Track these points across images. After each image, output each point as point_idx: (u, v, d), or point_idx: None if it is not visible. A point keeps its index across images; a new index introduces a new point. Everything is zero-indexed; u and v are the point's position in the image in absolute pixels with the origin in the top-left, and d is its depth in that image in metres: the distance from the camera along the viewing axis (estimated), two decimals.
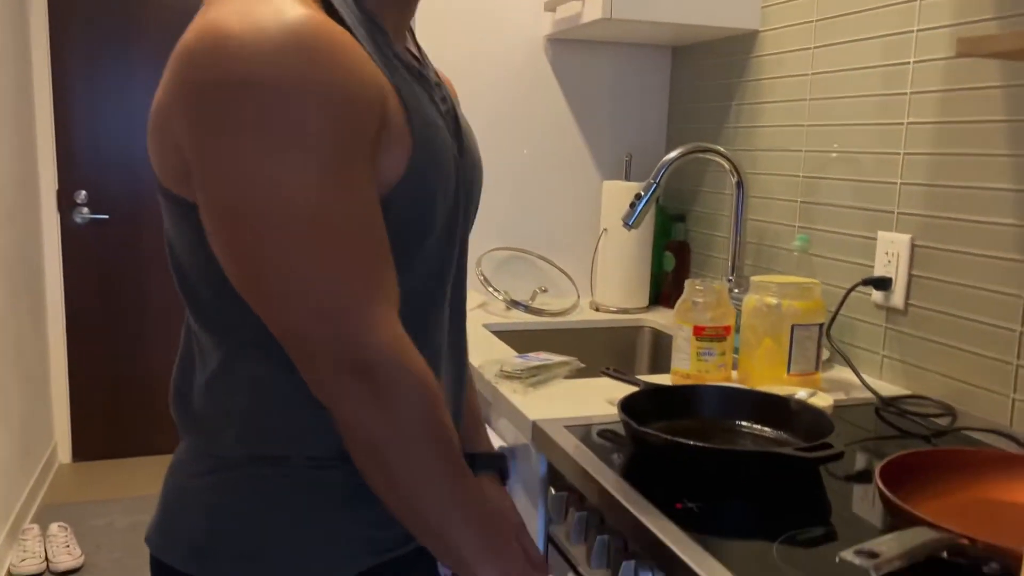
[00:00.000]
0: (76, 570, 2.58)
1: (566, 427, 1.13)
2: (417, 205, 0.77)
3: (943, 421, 1.20)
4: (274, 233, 0.66)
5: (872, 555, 0.64)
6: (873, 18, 1.41)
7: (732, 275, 1.66)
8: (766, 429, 1.11)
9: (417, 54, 0.88)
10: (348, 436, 0.72)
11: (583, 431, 1.12)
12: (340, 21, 0.72)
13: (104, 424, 3.42)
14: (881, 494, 0.81)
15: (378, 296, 0.70)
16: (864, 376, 1.43)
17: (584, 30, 1.80)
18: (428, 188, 0.77)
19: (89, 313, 3.33)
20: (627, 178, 1.98)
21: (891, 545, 0.66)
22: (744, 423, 1.13)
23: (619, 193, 1.88)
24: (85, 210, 3.26)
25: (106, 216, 3.29)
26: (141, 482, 3.25)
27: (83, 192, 3.26)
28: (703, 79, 1.93)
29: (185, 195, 0.72)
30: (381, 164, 0.73)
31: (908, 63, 1.34)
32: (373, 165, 0.71)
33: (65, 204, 3.25)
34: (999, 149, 1.19)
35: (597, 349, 1.85)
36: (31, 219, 3.05)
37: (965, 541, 0.70)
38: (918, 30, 1.32)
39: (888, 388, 1.37)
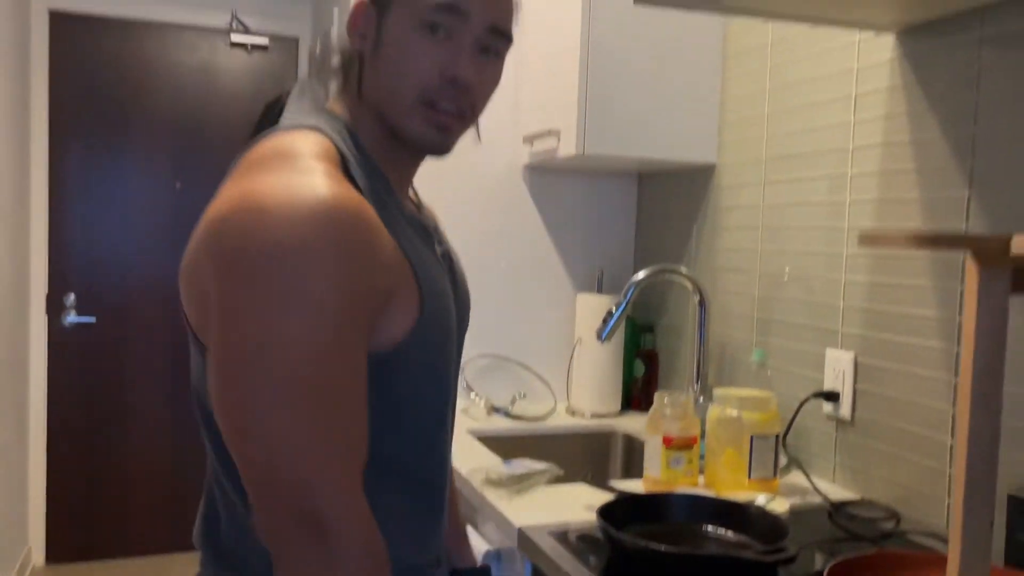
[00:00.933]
0: None
1: (549, 533, 1.25)
2: (427, 350, 0.87)
3: (889, 524, 1.33)
4: (267, 385, 0.71)
5: None
6: (815, 159, 1.61)
7: (697, 384, 1.81)
8: (729, 533, 1.23)
9: (415, 199, 1.01)
10: None
11: (564, 536, 1.23)
12: (353, 182, 0.80)
13: (79, 526, 3.41)
14: None
15: (350, 462, 0.74)
16: (818, 481, 1.56)
17: (559, 161, 1.98)
18: (435, 337, 0.87)
19: (71, 414, 3.37)
20: (599, 291, 2.14)
21: None
22: (710, 527, 1.25)
23: (592, 305, 2.03)
24: (73, 312, 3.35)
25: (92, 319, 3.38)
26: None
27: (72, 295, 3.35)
28: (667, 203, 2.12)
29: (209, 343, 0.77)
30: (390, 324, 0.81)
31: (845, 200, 1.53)
32: (369, 336, 0.78)
33: (54, 307, 3.34)
34: (924, 280, 1.37)
35: (574, 453, 1.96)
36: (20, 321, 3.13)
37: None
38: (851, 174, 1.52)
39: (840, 493, 1.50)
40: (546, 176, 2.16)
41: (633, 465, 1.94)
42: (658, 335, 2.15)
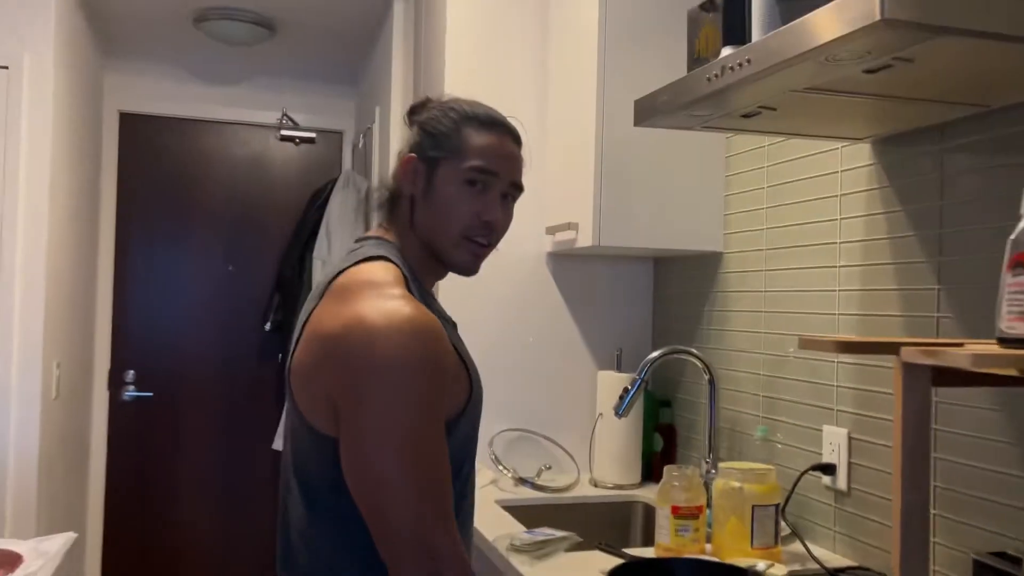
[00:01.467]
0: None
1: None
2: (472, 422, 1.15)
3: None
4: (389, 467, 0.99)
5: None
6: (808, 251, 1.77)
7: (709, 457, 1.95)
8: None
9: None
10: None
11: None
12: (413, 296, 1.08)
13: None
14: None
15: (448, 511, 1.01)
16: (819, 550, 1.68)
17: (578, 250, 2.17)
18: (476, 411, 1.15)
19: (128, 483, 3.58)
20: (618, 369, 2.30)
21: None
22: None
23: (611, 382, 2.19)
24: (132, 388, 3.59)
25: (150, 394, 3.61)
26: None
27: (131, 372, 3.59)
28: (681, 286, 2.29)
29: (328, 432, 1.05)
30: (450, 404, 1.09)
31: (835, 289, 1.69)
32: (446, 409, 1.07)
33: (115, 382, 3.58)
34: None
35: (596, 522, 2.10)
36: (85, 395, 3.37)
37: None
38: (839, 266, 1.68)
39: (838, 560, 1.62)
40: (567, 262, 2.35)
41: (652, 534, 2.07)
42: (675, 410, 2.30)
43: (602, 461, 2.21)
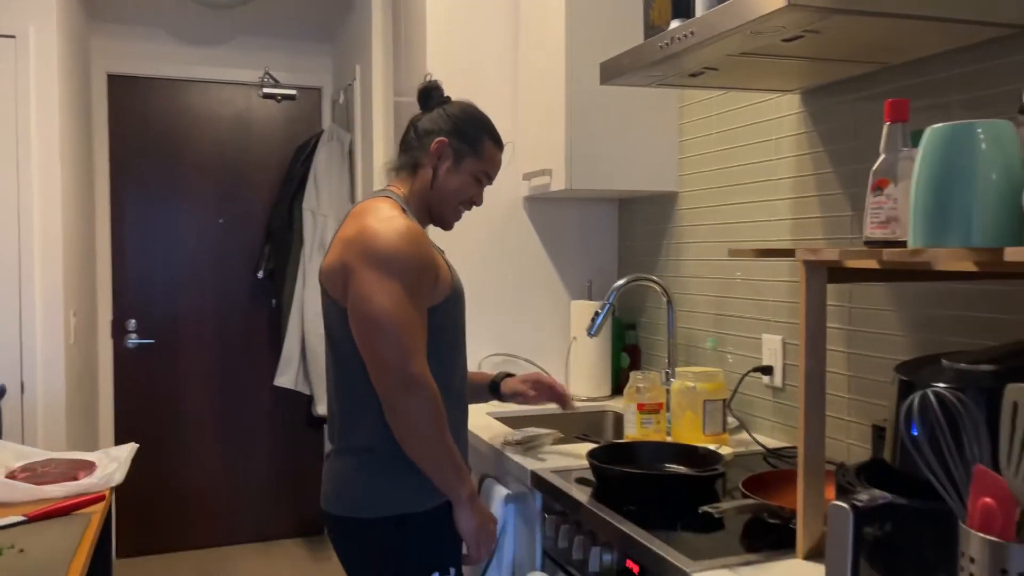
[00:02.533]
0: None
1: (553, 471, 1.71)
2: (456, 311, 1.60)
3: None
4: (382, 320, 1.46)
5: (716, 508, 1.22)
6: (751, 188, 2.08)
7: (668, 368, 2.27)
8: (681, 468, 1.69)
9: None
10: (397, 420, 1.47)
11: (565, 476, 1.69)
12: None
13: (145, 524, 3.87)
14: (741, 489, 1.39)
15: (420, 352, 1.49)
16: (760, 436, 2.02)
17: (551, 194, 2.45)
18: (458, 302, 1.60)
19: (135, 424, 3.84)
20: (590, 298, 2.61)
21: (726, 506, 1.24)
22: (670, 465, 1.71)
23: (584, 310, 2.50)
24: (134, 336, 3.83)
25: (152, 341, 3.86)
26: (180, 574, 3.70)
27: (133, 321, 3.83)
28: (642, 224, 2.59)
29: (346, 304, 1.53)
30: (436, 294, 1.57)
31: (772, 219, 2.00)
32: (427, 296, 1.54)
33: (118, 331, 3.82)
34: None
35: (573, 428, 2.42)
36: (91, 343, 3.60)
37: (774, 505, 1.29)
38: (776, 200, 1.99)
39: (775, 443, 1.96)
40: (542, 205, 2.64)
41: (621, 437, 2.39)
42: (639, 332, 2.61)
43: (577, 378, 2.52)
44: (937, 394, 0.84)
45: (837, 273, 1.20)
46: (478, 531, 1.58)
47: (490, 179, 1.72)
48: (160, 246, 3.89)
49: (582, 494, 1.56)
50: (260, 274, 3.83)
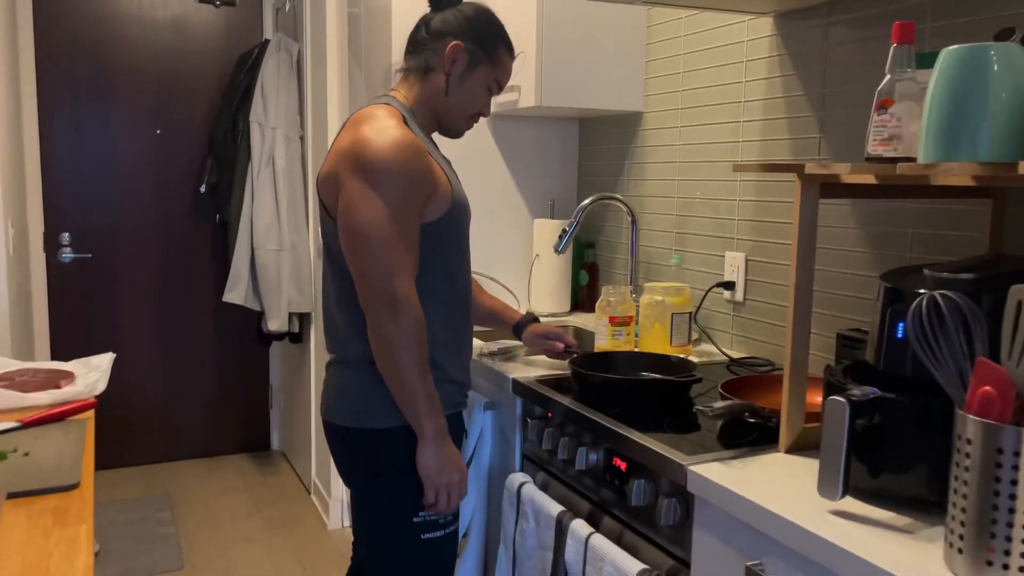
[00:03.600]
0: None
1: (534, 380, 1.78)
2: (457, 223, 1.56)
3: (766, 368, 1.91)
4: (366, 234, 1.42)
5: (709, 407, 1.31)
6: (717, 109, 2.14)
7: (632, 284, 2.36)
8: (658, 375, 1.79)
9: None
10: (374, 335, 1.44)
11: (544, 382, 1.77)
12: (412, 130, 1.50)
13: None
14: (721, 392, 1.49)
15: (410, 274, 1.45)
16: (720, 345, 2.13)
17: (519, 111, 2.46)
18: (460, 215, 1.56)
19: (71, 339, 3.74)
20: (552, 217, 2.65)
21: (718, 405, 1.34)
22: (644, 373, 1.80)
23: (546, 228, 2.55)
24: (69, 250, 3.69)
25: (89, 255, 3.73)
26: (125, 489, 3.68)
27: (66, 234, 3.69)
28: (604, 143, 2.63)
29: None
30: (436, 206, 1.52)
31: (739, 140, 2.07)
32: (423, 211, 1.49)
33: (51, 245, 3.68)
34: (789, 197, 1.92)
35: None
36: (23, 258, 3.47)
37: (757, 405, 1.39)
38: (743, 121, 2.06)
39: (735, 353, 2.08)
40: (506, 124, 2.65)
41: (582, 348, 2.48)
42: (598, 250, 2.69)
43: (539, 294, 2.59)
44: (944, 296, 0.93)
45: (832, 189, 1.28)
46: (438, 475, 1.49)
47: (500, 88, 1.64)
48: (94, 157, 3.73)
49: (566, 398, 1.63)
50: (203, 188, 3.72)
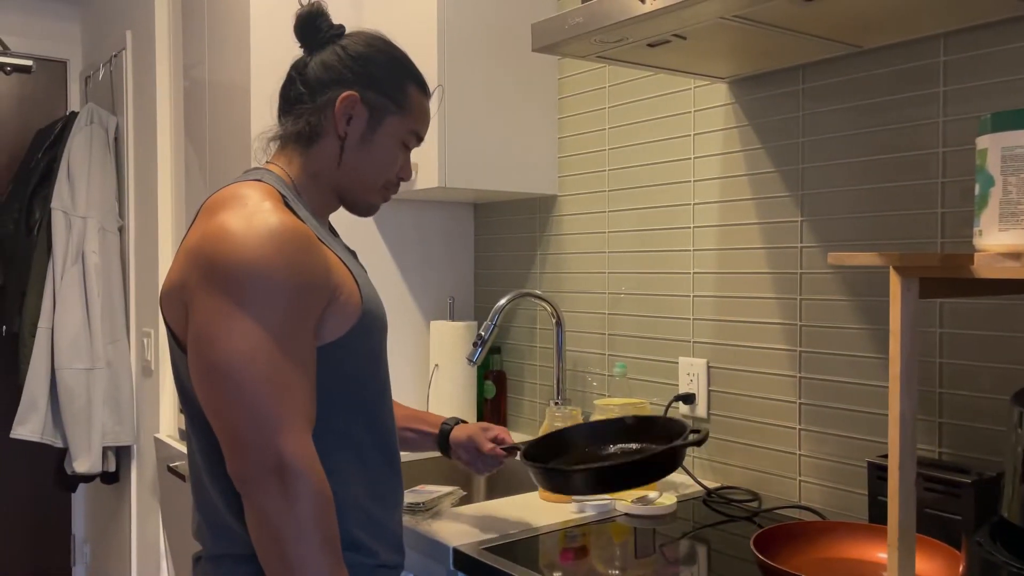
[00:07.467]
0: None
1: (486, 549, 1.31)
2: (370, 338, 1.11)
3: (752, 503, 1.55)
4: (231, 374, 0.95)
5: None
6: (658, 191, 1.82)
7: (559, 398, 1.95)
8: (634, 444, 1.37)
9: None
10: (255, 522, 0.95)
11: (493, 549, 1.30)
12: (294, 214, 1.05)
13: None
14: (757, 558, 1.09)
15: (294, 421, 0.96)
16: (678, 475, 1.75)
17: (414, 193, 2.04)
18: (375, 326, 1.12)
19: None
20: (451, 318, 2.22)
21: None
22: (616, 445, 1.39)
23: (447, 332, 2.11)
24: None
25: None
26: None
27: None
28: (504, 232, 2.25)
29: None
30: (338, 318, 1.05)
31: (690, 226, 1.76)
32: (319, 328, 1.03)
33: None
34: (768, 293, 1.61)
35: (436, 469, 2.01)
36: None
37: None
38: (695, 203, 1.75)
39: (709, 482, 1.70)
40: (390, 210, 2.21)
41: (494, 478, 2.03)
42: (504, 356, 2.27)
43: (440, 409, 2.12)
44: None
45: (931, 286, 0.95)
46: None
47: (419, 140, 1.21)
48: None
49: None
50: None
